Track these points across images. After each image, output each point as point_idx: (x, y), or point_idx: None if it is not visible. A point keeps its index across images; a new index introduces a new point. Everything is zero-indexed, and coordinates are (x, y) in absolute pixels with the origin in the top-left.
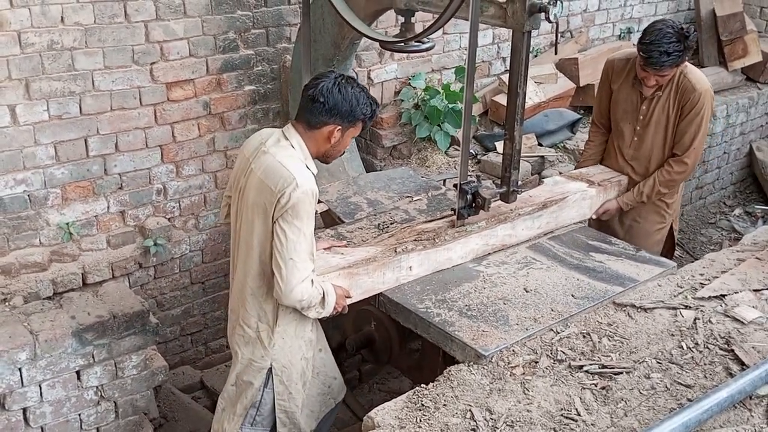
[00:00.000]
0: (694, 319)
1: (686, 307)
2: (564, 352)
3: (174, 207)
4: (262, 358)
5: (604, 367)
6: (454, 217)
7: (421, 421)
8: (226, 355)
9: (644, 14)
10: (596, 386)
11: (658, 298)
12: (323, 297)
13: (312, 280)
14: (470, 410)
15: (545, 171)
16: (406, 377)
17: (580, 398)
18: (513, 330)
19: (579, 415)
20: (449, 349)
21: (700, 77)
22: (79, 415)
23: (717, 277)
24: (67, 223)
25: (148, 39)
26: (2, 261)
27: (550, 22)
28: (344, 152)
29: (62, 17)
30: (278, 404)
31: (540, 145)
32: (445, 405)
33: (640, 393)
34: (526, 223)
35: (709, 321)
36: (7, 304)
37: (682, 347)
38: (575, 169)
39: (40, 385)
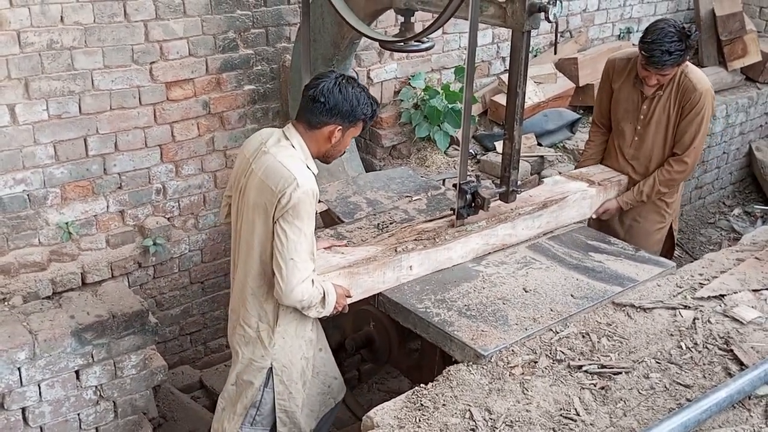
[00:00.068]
0: (694, 319)
1: (685, 307)
2: (563, 352)
3: (173, 206)
4: (263, 358)
5: (603, 367)
6: (454, 217)
7: (420, 421)
8: (225, 354)
9: (644, 14)
10: (595, 386)
11: (658, 298)
12: (324, 296)
13: (312, 280)
14: (469, 410)
15: (544, 171)
16: (405, 377)
17: (579, 398)
18: (512, 330)
19: (578, 415)
20: (448, 348)
21: (701, 77)
22: (78, 414)
23: (716, 277)
24: (67, 223)
25: (148, 38)
26: (1, 260)
27: (549, 21)
28: (344, 152)
29: (62, 17)
30: (278, 404)
31: (539, 144)
32: (444, 405)
33: (639, 393)
34: (526, 222)
35: (709, 321)
36: (6, 303)
37: (681, 347)
38: (576, 168)
39: (39, 385)
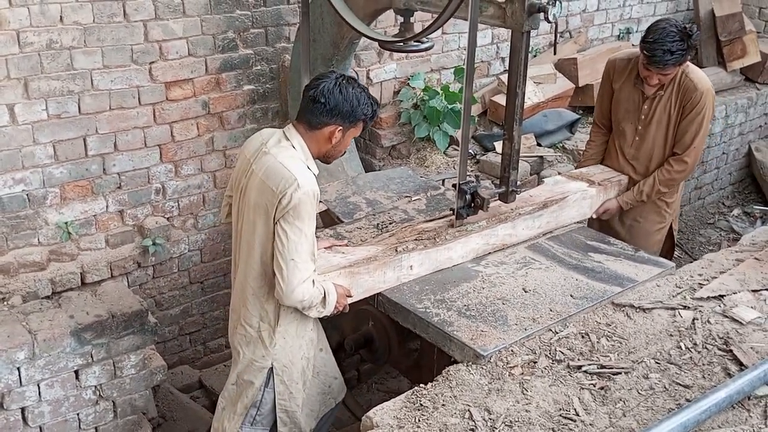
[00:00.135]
0: (693, 320)
1: (685, 307)
2: (563, 353)
3: (173, 206)
4: (263, 358)
5: (602, 367)
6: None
7: (419, 421)
8: (224, 354)
9: (643, 14)
10: (595, 386)
11: (657, 298)
12: (324, 296)
13: (313, 281)
14: (469, 410)
15: (544, 171)
16: (404, 377)
17: (579, 398)
18: (512, 330)
19: (577, 415)
20: (448, 348)
21: (702, 77)
22: (78, 414)
23: (716, 278)
24: (66, 223)
25: (147, 38)
26: (1, 260)
27: (549, 22)
28: (345, 152)
29: (61, 16)
30: (279, 404)
31: (539, 145)
32: (443, 405)
33: (639, 393)
34: (526, 222)
35: (708, 321)
36: (5, 303)
37: (680, 347)
38: (576, 168)
39: (38, 385)
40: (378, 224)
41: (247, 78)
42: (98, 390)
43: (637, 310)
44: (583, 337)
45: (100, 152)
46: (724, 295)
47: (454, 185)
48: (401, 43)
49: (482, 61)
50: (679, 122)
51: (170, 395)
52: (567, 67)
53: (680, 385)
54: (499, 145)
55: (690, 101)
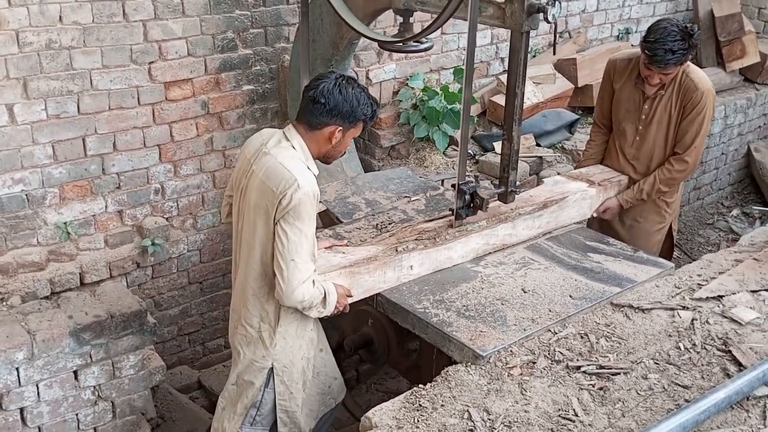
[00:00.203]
0: (692, 320)
1: (684, 307)
2: (562, 353)
3: (172, 207)
4: (264, 358)
5: (601, 367)
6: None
7: (418, 421)
8: (223, 355)
9: (642, 15)
10: (594, 387)
11: (656, 298)
12: (324, 297)
13: (313, 281)
14: (468, 411)
15: (543, 171)
16: (403, 377)
17: (578, 399)
18: (511, 330)
19: (576, 415)
20: (447, 349)
21: (703, 77)
22: (77, 414)
23: (714, 278)
24: (65, 223)
25: (147, 38)
26: (0, 260)
27: (548, 22)
28: (344, 153)
29: (60, 16)
30: (279, 404)
31: (538, 145)
32: (442, 405)
33: (638, 394)
34: (526, 222)
35: (707, 322)
36: (4, 303)
37: (679, 348)
38: (576, 168)
39: (37, 385)
40: (377, 224)
41: (246, 78)
42: (97, 390)
43: (636, 310)
44: (582, 337)
45: (99, 152)
46: (723, 296)
47: (453, 185)
48: (400, 44)
49: (481, 62)
50: (679, 122)
51: (169, 396)
52: (566, 68)
53: (679, 385)
54: (498, 146)
55: (691, 101)
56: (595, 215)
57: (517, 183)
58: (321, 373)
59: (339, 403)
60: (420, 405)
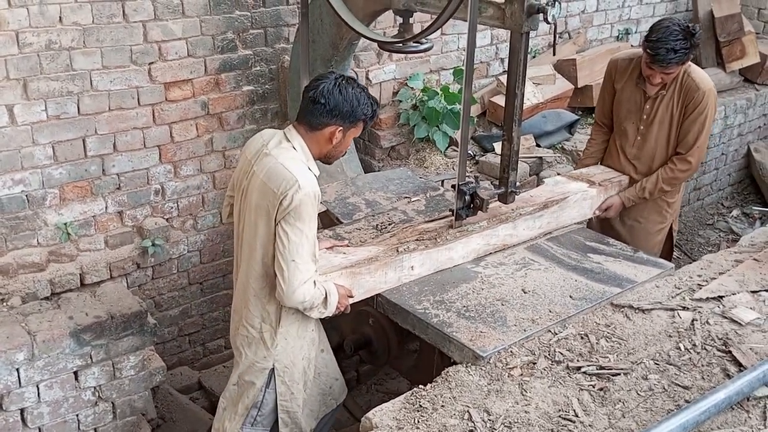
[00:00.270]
0: (692, 321)
1: (684, 308)
2: (562, 353)
3: (172, 207)
4: (265, 359)
5: (601, 368)
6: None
7: (419, 422)
8: (224, 355)
9: (642, 15)
10: (594, 387)
11: (656, 299)
12: (326, 297)
13: (314, 281)
14: (468, 411)
15: (543, 172)
16: (404, 378)
17: (578, 399)
18: (511, 331)
19: (577, 416)
20: (447, 349)
21: (704, 76)
22: (77, 415)
23: (715, 279)
24: (65, 224)
25: (147, 39)
26: (0, 261)
27: (548, 23)
28: (345, 153)
29: (60, 17)
30: (280, 404)
31: (538, 146)
32: (443, 406)
33: (638, 394)
34: (527, 222)
35: (707, 322)
36: (4, 304)
37: (679, 348)
38: (576, 166)
39: (37, 386)
40: (377, 225)
41: (246, 79)
42: (97, 391)
43: (636, 311)
44: (582, 338)
45: (99, 153)
46: (723, 296)
47: (453, 186)
48: (400, 44)
49: (481, 62)
50: (681, 122)
51: (169, 396)
52: (566, 68)
53: (679, 386)
54: (498, 146)
55: (692, 101)
56: (598, 213)
57: (517, 183)
58: (322, 373)
59: (340, 404)
60: (420, 405)
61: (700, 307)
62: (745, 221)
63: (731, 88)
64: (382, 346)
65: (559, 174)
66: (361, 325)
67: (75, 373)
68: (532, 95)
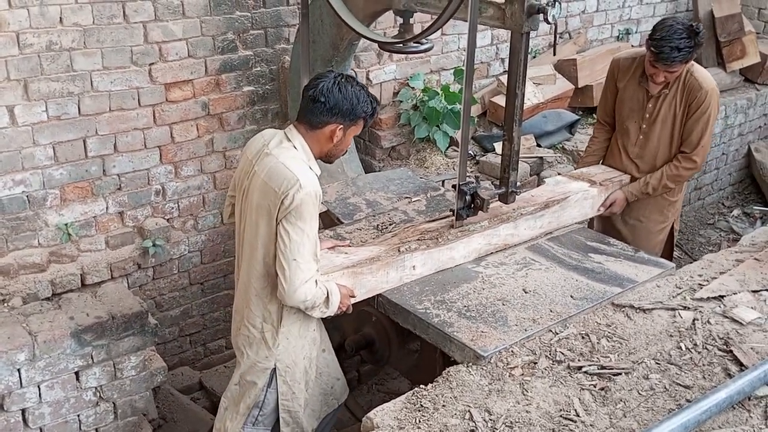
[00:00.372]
0: (693, 320)
1: (685, 308)
2: (563, 353)
3: (173, 208)
4: (266, 359)
5: (602, 368)
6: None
7: (420, 421)
8: (225, 356)
9: (642, 15)
10: (595, 387)
11: (657, 299)
12: (327, 297)
13: (316, 281)
14: (469, 411)
15: (544, 172)
16: (405, 378)
17: (579, 399)
18: (512, 331)
19: (578, 416)
20: (448, 349)
21: (707, 76)
22: (78, 416)
23: (715, 278)
24: (66, 224)
25: (147, 40)
26: (1, 262)
27: (548, 23)
28: (346, 151)
29: (61, 18)
30: (282, 404)
31: (538, 146)
32: (444, 406)
33: (639, 394)
34: (528, 222)
35: (708, 322)
36: (5, 305)
37: (680, 348)
38: (578, 164)
39: (38, 386)
40: (378, 225)
41: (246, 79)
42: (98, 391)
43: (637, 310)
44: (583, 337)
45: (100, 153)
46: (724, 296)
47: (453, 186)
48: (401, 45)
49: (482, 62)
50: (684, 121)
51: (171, 396)
52: (566, 68)
53: (680, 385)
54: (498, 146)
55: (695, 100)
56: (602, 210)
57: (518, 183)
58: (323, 373)
59: (341, 404)
60: (421, 405)
61: (701, 306)
62: (745, 221)
63: (732, 88)
64: (383, 346)
65: (559, 174)
66: (363, 325)
67: (76, 373)
68: (532, 95)
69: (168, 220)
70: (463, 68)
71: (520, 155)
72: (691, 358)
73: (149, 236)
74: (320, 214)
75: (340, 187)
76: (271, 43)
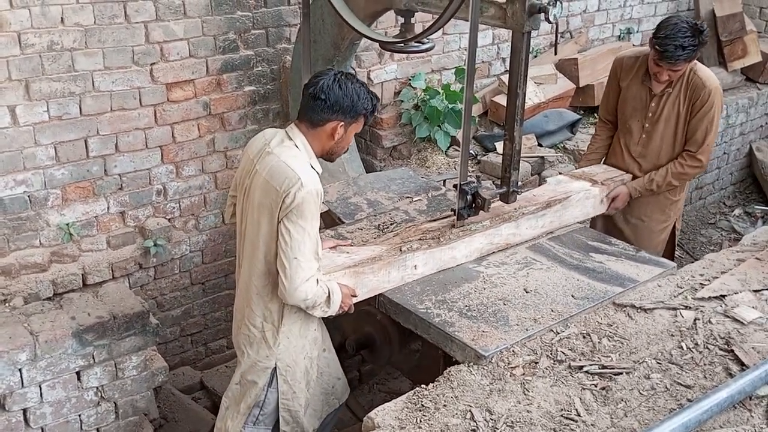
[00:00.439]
0: (694, 320)
1: (686, 307)
2: (564, 353)
3: (174, 207)
4: (267, 358)
5: (604, 367)
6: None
7: (421, 421)
8: (226, 355)
9: (644, 15)
10: (596, 387)
11: (658, 298)
12: (329, 296)
13: (317, 279)
14: (470, 411)
15: (545, 171)
16: (406, 378)
17: (580, 399)
18: (513, 330)
19: (579, 415)
20: (449, 349)
21: (710, 75)
22: (79, 415)
23: (717, 278)
24: (67, 224)
25: (148, 40)
26: (2, 262)
27: (549, 22)
28: (347, 150)
29: (62, 18)
30: (282, 403)
31: (540, 145)
32: (445, 405)
33: (640, 393)
34: (530, 222)
35: (709, 321)
36: (7, 304)
37: (681, 348)
38: (580, 162)
39: (40, 386)
40: (379, 225)
41: (248, 79)
42: (100, 391)
43: (639, 310)
44: (584, 337)
45: (101, 153)
46: (726, 295)
47: (455, 186)
48: (402, 44)
49: (483, 62)
50: (688, 120)
51: (172, 396)
52: (568, 68)
53: (682, 385)
54: (500, 146)
55: (699, 99)
56: (605, 201)
57: (519, 183)
58: (324, 373)
59: (342, 404)
60: (422, 405)
61: (703, 306)
62: (747, 220)
63: (733, 87)
64: (384, 346)
65: (561, 173)
66: (364, 324)
67: (77, 373)
68: (533, 95)
69: (169, 219)
70: (465, 68)
71: (522, 155)
72: (692, 357)
73: (150, 236)
74: (321, 214)
75: (342, 186)
76: (272, 42)
